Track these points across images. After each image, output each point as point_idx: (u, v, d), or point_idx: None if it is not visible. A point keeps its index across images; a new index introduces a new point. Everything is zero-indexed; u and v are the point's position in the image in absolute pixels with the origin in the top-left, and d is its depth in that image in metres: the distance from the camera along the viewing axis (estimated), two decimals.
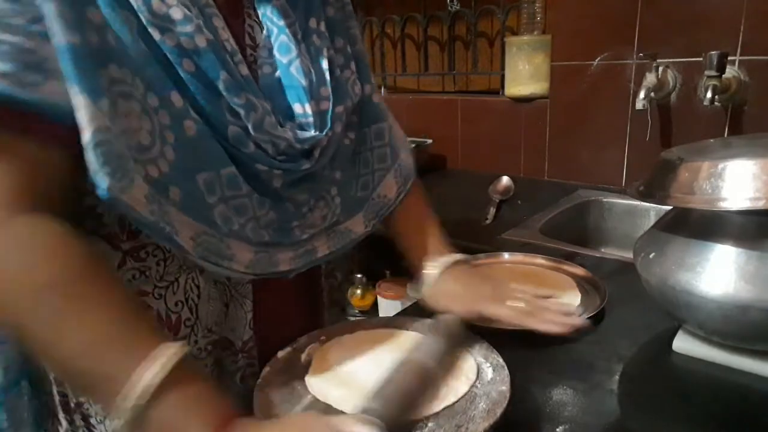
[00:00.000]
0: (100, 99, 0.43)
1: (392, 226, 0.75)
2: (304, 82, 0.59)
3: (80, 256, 0.44)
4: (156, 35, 0.47)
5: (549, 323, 0.59)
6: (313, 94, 0.60)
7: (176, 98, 0.49)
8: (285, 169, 0.56)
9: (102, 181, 0.43)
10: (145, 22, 0.47)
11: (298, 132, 0.58)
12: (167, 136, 0.49)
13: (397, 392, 0.48)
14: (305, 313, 0.71)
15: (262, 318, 0.62)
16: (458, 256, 0.69)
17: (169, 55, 0.48)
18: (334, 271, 0.75)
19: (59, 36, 0.41)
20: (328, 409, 0.51)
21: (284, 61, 0.59)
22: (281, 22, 0.59)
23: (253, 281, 0.60)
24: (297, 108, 0.59)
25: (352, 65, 0.67)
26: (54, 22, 0.41)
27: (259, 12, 0.60)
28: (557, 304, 0.61)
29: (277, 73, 0.59)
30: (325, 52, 0.62)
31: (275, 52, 0.59)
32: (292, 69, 0.59)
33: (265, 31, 0.59)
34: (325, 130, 0.60)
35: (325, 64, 0.62)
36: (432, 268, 0.68)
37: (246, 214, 0.55)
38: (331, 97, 0.61)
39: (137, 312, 0.45)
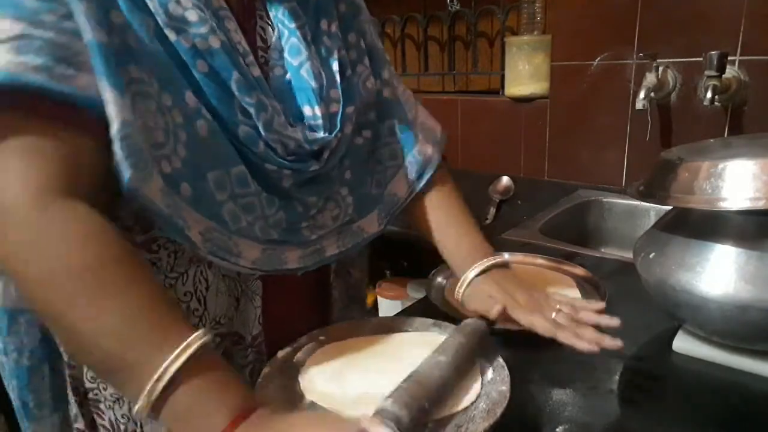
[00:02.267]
0: (125, 95, 0.45)
1: (420, 223, 0.73)
2: (314, 84, 0.59)
3: (114, 242, 0.45)
4: (172, 36, 0.49)
5: (581, 341, 0.55)
6: (322, 96, 0.60)
7: (190, 98, 0.50)
8: (294, 169, 0.57)
9: (125, 172, 0.45)
10: (161, 24, 0.48)
11: (308, 133, 0.58)
12: (179, 134, 0.50)
13: (414, 395, 0.46)
14: (314, 309, 0.72)
15: (272, 314, 0.63)
16: (496, 259, 0.66)
17: (183, 56, 0.49)
18: (348, 268, 0.74)
19: (89, 33, 0.43)
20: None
21: (294, 63, 0.59)
22: (292, 25, 0.60)
23: (263, 278, 0.60)
24: (306, 110, 0.60)
25: (366, 60, 0.67)
26: (84, 20, 0.43)
27: (271, 14, 0.60)
28: (591, 315, 0.58)
29: (288, 76, 0.59)
30: (336, 54, 0.62)
31: (286, 54, 0.59)
32: (302, 72, 0.59)
33: (276, 33, 0.60)
34: (335, 132, 0.60)
35: (335, 66, 0.62)
36: (469, 271, 0.65)
37: (254, 212, 0.56)
38: (341, 99, 0.62)
39: (168, 300, 0.46)
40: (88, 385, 0.60)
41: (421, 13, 1.72)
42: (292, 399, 0.53)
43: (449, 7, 1.60)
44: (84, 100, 0.44)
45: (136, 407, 0.41)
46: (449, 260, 0.70)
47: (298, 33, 0.59)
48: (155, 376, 0.41)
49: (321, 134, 0.59)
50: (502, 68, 1.50)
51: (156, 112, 0.48)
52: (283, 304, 0.65)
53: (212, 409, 0.42)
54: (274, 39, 0.59)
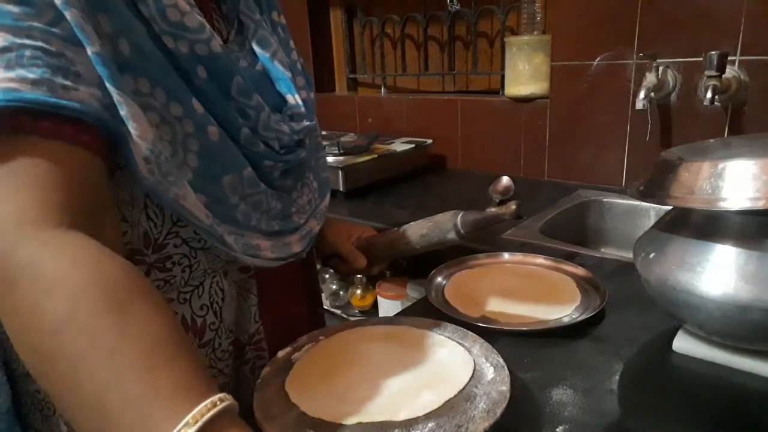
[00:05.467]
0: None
1: None
2: (288, 73, 0.60)
3: (117, 272, 0.38)
4: (170, 43, 0.47)
5: None
6: (294, 84, 0.62)
7: (197, 105, 0.49)
8: (286, 161, 0.59)
9: (166, 192, 0.43)
10: (158, 31, 0.46)
11: (293, 124, 0.60)
12: (191, 143, 0.49)
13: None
14: (306, 300, 0.73)
15: (268, 309, 0.63)
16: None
17: (182, 62, 0.48)
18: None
19: (91, 46, 0.40)
20: (321, 424, 0.50)
21: (267, 54, 0.59)
22: (257, 17, 0.60)
23: (257, 274, 0.61)
24: (289, 99, 0.61)
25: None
26: (81, 28, 0.40)
27: (225, 6, 0.60)
28: None
29: (258, 66, 0.59)
30: (291, 44, 0.65)
31: (255, 46, 0.60)
32: (276, 62, 0.60)
33: (234, 26, 0.60)
34: (313, 118, 0.63)
35: (294, 56, 0.64)
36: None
37: (261, 208, 0.57)
38: (306, 85, 0.64)
39: (179, 345, 0.37)
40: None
41: (421, 13, 1.72)
42: (290, 401, 0.53)
43: (449, 7, 1.60)
44: (87, 115, 0.40)
45: None
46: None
47: (263, 24, 0.60)
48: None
49: (305, 123, 0.61)
50: (502, 68, 1.50)
51: (160, 123, 0.46)
52: (278, 298, 0.66)
53: None
54: (233, 33, 0.59)
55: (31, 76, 0.38)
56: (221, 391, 0.36)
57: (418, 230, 0.75)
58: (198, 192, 0.49)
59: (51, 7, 0.39)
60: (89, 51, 0.40)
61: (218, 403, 0.35)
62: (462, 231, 0.71)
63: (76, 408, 0.35)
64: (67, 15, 0.40)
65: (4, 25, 0.38)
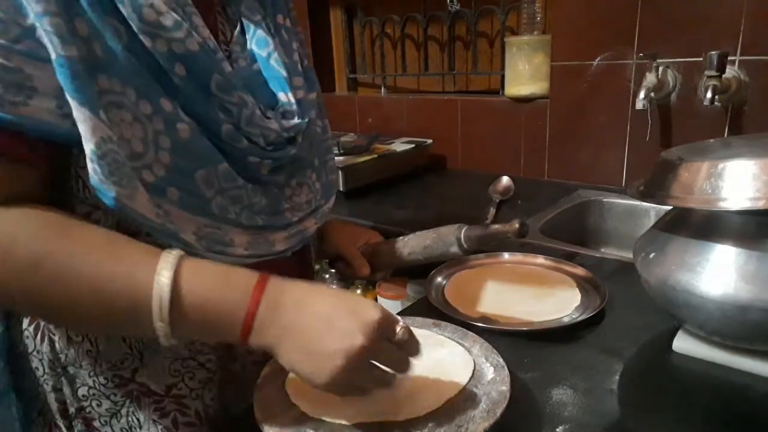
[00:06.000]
0: (99, 110, 0.45)
1: None
2: (284, 73, 0.62)
3: (51, 215, 0.47)
4: (147, 42, 0.48)
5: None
6: (291, 84, 0.63)
7: (166, 103, 0.50)
8: (274, 158, 0.59)
9: (108, 191, 0.45)
10: (136, 30, 0.47)
11: (283, 121, 0.60)
12: (161, 141, 0.50)
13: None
14: None
15: None
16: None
17: (160, 61, 0.49)
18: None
19: (54, 50, 0.42)
20: (321, 424, 0.50)
21: (263, 54, 0.61)
22: (256, 18, 0.62)
23: (256, 268, 0.60)
24: (282, 97, 0.62)
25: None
26: (49, 36, 0.42)
27: (230, 9, 0.62)
28: None
29: (255, 66, 0.61)
30: (294, 45, 0.66)
31: (253, 46, 0.61)
32: (272, 61, 0.61)
33: (237, 28, 0.61)
34: (306, 117, 0.64)
35: (295, 56, 0.66)
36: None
37: (241, 202, 0.57)
38: (304, 85, 0.65)
39: (125, 237, 0.49)
40: (77, 404, 0.58)
41: (421, 13, 1.72)
42: (290, 401, 0.53)
43: (449, 7, 1.60)
44: (32, 127, 0.44)
45: (160, 331, 0.44)
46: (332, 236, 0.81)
47: (263, 25, 0.62)
48: (163, 285, 0.44)
49: (296, 120, 0.62)
50: (502, 68, 1.50)
51: (132, 121, 0.48)
52: None
53: (230, 287, 0.47)
54: (236, 33, 0.61)
55: None
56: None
57: (421, 241, 0.75)
58: (171, 186, 0.50)
59: (17, 24, 0.42)
60: (53, 57, 0.43)
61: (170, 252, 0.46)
62: (465, 245, 0.72)
63: (81, 315, 0.46)
64: (37, 25, 0.43)
65: None
